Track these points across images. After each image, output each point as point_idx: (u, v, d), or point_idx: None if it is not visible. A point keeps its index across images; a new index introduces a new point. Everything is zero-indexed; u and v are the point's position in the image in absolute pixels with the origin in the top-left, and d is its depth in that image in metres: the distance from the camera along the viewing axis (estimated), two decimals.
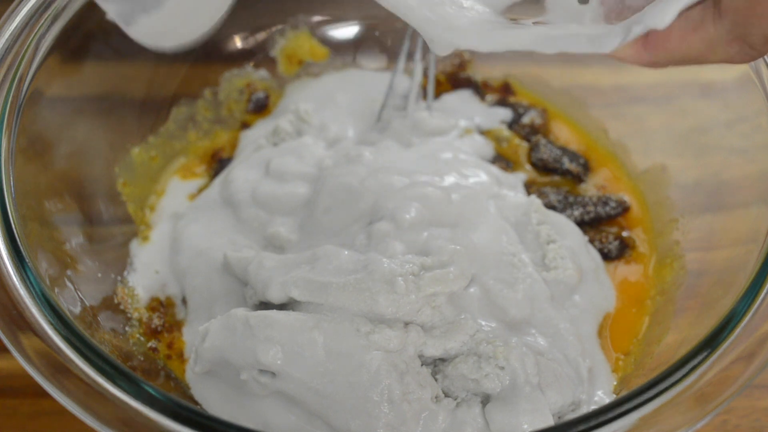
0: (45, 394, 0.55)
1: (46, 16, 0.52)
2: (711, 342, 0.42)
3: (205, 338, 0.49)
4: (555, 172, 0.62)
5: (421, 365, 0.48)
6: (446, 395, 0.48)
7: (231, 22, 0.62)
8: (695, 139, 0.59)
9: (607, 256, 0.58)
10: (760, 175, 0.52)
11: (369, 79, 0.68)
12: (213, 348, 0.48)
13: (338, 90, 0.67)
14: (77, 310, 0.49)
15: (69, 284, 0.50)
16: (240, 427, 0.40)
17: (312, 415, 0.47)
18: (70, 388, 0.41)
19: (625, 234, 0.59)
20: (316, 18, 0.69)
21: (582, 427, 0.40)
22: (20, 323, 0.43)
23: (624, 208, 0.60)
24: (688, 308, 0.52)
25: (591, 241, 0.58)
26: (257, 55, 0.67)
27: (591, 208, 0.60)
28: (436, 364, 0.49)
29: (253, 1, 0.64)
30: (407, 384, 0.46)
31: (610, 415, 0.40)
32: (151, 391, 0.41)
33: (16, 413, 0.55)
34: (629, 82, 0.63)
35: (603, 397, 0.51)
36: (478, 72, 0.68)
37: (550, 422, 0.47)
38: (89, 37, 0.56)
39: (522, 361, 0.48)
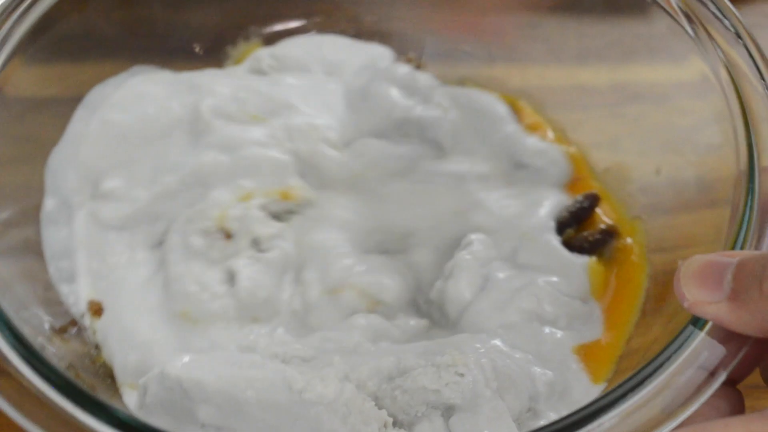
0: None
1: (12, 17, 0.52)
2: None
3: (146, 393, 0.48)
4: None
5: (373, 389, 0.48)
6: (405, 413, 0.47)
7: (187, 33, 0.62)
8: (663, 138, 0.59)
9: (596, 246, 0.57)
10: (727, 176, 0.52)
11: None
12: (156, 403, 0.47)
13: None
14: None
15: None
16: None
17: None
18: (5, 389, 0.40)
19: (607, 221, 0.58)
20: (268, 30, 0.68)
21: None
22: None
23: (594, 198, 0.59)
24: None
25: (578, 245, 0.57)
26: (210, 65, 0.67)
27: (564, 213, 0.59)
28: (394, 379, 0.48)
29: (208, 11, 0.64)
30: (352, 425, 0.45)
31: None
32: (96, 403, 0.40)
33: None
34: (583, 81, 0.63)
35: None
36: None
37: (513, 430, 0.46)
38: (57, 38, 0.56)
39: (480, 365, 0.47)
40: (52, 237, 0.56)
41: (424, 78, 0.65)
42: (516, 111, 0.64)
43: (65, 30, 0.56)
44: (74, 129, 0.59)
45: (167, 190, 0.58)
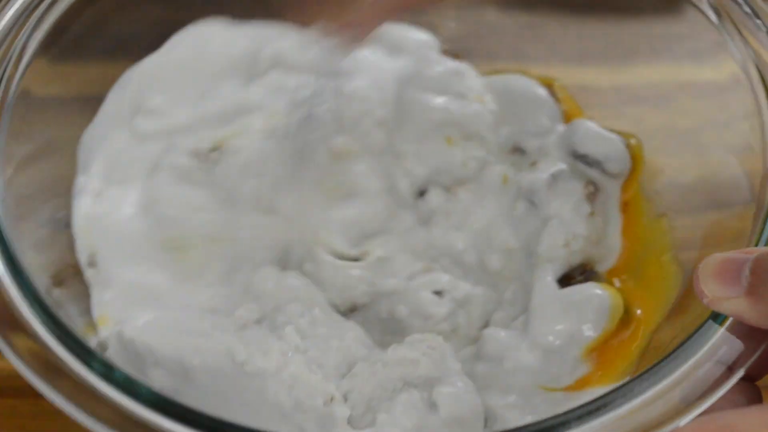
0: None
1: (34, 16, 0.53)
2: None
3: (107, 348, 0.50)
4: None
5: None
6: (383, 388, 0.48)
7: None
8: (689, 139, 0.59)
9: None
10: (751, 174, 0.52)
11: None
12: (116, 359, 0.49)
13: None
14: (72, 310, 0.49)
15: (63, 286, 0.51)
16: (240, 426, 0.40)
17: None
18: (63, 388, 0.42)
19: None
20: None
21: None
22: (13, 324, 0.43)
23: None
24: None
25: None
26: None
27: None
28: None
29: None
30: (296, 396, 0.47)
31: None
32: (146, 389, 0.41)
33: (16, 413, 0.56)
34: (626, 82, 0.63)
35: None
36: None
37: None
38: (79, 37, 0.56)
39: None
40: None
41: (459, 69, 0.63)
42: (553, 95, 0.62)
43: (90, 29, 0.57)
44: (108, 109, 0.60)
45: (205, 114, 0.59)
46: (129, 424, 0.40)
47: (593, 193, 0.57)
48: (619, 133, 0.59)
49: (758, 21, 0.51)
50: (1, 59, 0.51)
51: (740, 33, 0.52)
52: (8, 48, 0.51)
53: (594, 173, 0.57)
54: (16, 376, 0.56)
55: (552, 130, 0.60)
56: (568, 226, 0.55)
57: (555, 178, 0.57)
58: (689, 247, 0.55)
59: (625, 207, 0.58)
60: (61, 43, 0.54)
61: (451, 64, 0.63)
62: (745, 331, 0.42)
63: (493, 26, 0.64)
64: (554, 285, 0.54)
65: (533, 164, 0.58)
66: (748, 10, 0.52)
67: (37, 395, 0.56)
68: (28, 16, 0.52)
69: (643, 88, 0.62)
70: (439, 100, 0.60)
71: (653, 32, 0.61)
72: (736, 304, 0.41)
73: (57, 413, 0.56)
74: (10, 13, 0.52)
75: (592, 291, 0.53)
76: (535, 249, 0.55)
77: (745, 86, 0.51)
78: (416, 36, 0.65)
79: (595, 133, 0.58)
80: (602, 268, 0.57)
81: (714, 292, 0.41)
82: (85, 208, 0.57)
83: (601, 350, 0.52)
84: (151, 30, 0.62)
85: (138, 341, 0.49)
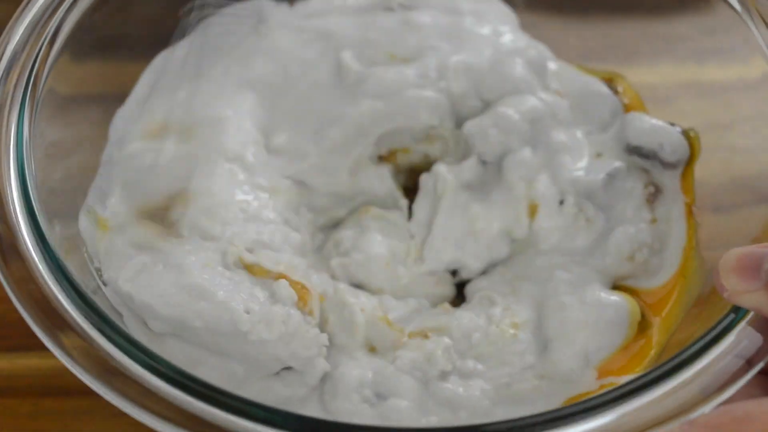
0: (46, 394, 0.55)
1: (57, 14, 0.52)
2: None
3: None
4: None
5: None
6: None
7: None
8: (715, 134, 0.58)
9: None
10: (758, 175, 0.52)
11: None
12: (114, 300, 0.51)
13: None
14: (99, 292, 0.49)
15: (89, 264, 0.50)
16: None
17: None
18: (120, 388, 0.41)
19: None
20: None
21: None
22: (60, 324, 0.43)
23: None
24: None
25: None
26: None
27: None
28: None
29: None
30: (293, 349, 0.49)
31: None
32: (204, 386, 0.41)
33: (16, 413, 0.55)
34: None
35: None
36: None
37: None
38: (102, 36, 0.56)
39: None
40: None
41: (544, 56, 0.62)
42: (614, 89, 0.62)
43: (112, 27, 0.57)
44: (139, 91, 0.59)
45: (334, 143, 0.58)
46: (181, 416, 0.40)
47: (653, 194, 0.56)
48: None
49: None
50: (27, 57, 0.51)
51: None
52: (33, 46, 0.51)
53: (650, 165, 0.56)
54: (16, 376, 0.56)
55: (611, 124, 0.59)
56: (633, 236, 0.55)
57: (611, 177, 0.56)
58: (712, 246, 0.55)
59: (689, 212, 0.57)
60: (85, 42, 0.54)
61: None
62: (765, 326, 0.43)
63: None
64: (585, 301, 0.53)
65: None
66: None
67: (37, 395, 0.55)
68: (51, 15, 0.52)
69: (644, 88, 0.62)
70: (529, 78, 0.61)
71: (654, 32, 0.61)
72: (755, 297, 0.42)
73: (57, 413, 0.56)
74: (33, 12, 0.52)
75: (608, 299, 0.53)
76: (588, 260, 0.55)
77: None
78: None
79: (647, 125, 0.57)
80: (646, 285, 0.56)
81: (734, 286, 0.42)
82: None
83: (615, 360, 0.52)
84: (174, 28, 0.61)
85: (136, 298, 0.49)
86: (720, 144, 0.57)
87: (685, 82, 0.60)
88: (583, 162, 0.57)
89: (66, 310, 0.43)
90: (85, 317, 0.42)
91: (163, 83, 0.59)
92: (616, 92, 0.61)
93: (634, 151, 0.56)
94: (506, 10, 0.64)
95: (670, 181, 0.56)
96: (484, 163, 0.57)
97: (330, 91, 0.59)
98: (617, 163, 0.56)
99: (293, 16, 0.62)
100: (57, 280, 0.44)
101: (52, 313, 0.43)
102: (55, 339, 0.42)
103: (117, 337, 0.42)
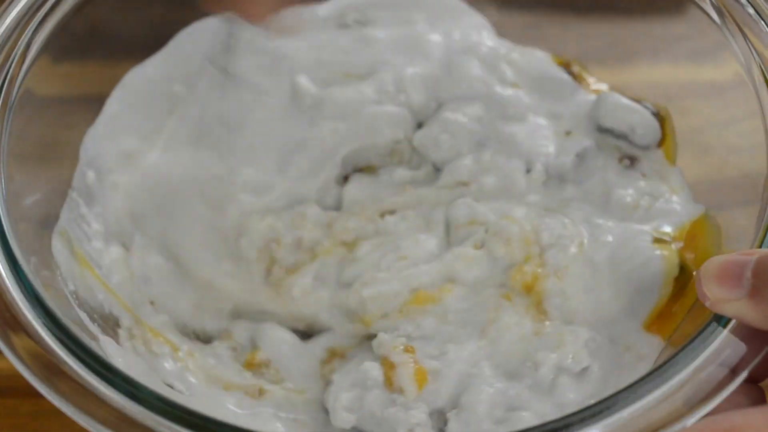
0: None
1: (37, 16, 0.52)
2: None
3: None
4: None
5: None
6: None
7: None
8: (693, 139, 0.59)
9: None
10: (755, 175, 0.52)
11: None
12: None
13: None
14: (71, 312, 0.49)
15: (62, 286, 0.50)
16: (240, 428, 0.40)
17: None
18: (64, 390, 0.42)
19: None
20: None
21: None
22: (13, 325, 0.43)
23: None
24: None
25: None
26: None
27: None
28: None
29: None
30: None
31: None
32: (147, 392, 0.41)
33: (16, 413, 0.56)
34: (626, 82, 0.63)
35: None
36: None
37: None
38: (82, 37, 0.56)
39: None
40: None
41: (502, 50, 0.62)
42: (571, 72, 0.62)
43: (93, 28, 0.57)
44: (111, 109, 0.58)
45: (301, 171, 0.58)
46: (128, 425, 0.40)
47: (630, 165, 0.56)
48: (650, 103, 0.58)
49: (762, 22, 0.51)
50: (5, 59, 0.50)
51: (743, 33, 0.52)
52: (12, 47, 0.51)
53: (623, 145, 0.57)
54: (16, 376, 0.56)
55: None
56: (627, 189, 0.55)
57: (581, 157, 0.56)
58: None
59: None
60: (64, 43, 0.54)
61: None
62: (748, 333, 0.42)
63: (494, 26, 0.64)
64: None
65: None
66: (751, 10, 0.52)
67: (37, 395, 0.55)
68: (32, 16, 0.52)
69: (643, 88, 0.61)
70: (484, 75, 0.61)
71: (654, 32, 0.61)
72: (738, 306, 0.41)
73: (57, 413, 0.56)
74: (14, 13, 0.52)
75: (643, 255, 0.51)
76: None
77: (748, 86, 0.51)
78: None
79: (619, 105, 0.57)
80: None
81: (716, 294, 0.41)
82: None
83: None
84: (152, 30, 0.61)
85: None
86: (718, 143, 0.57)
87: (686, 82, 0.60)
88: (550, 146, 0.57)
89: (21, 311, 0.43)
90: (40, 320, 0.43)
91: (135, 106, 0.59)
92: (572, 75, 0.61)
93: (606, 131, 0.57)
94: (479, 21, 0.64)
95: (645, 153, 0.57)
96: (437, 170, 0.58)
97: (288, 117, 0.59)
98: (586, 142, 0.57)
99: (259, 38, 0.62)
100: (15, 280, 0.44)
101: (6, 313, 0.43)
102: (7, 342, 0.42)
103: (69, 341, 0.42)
